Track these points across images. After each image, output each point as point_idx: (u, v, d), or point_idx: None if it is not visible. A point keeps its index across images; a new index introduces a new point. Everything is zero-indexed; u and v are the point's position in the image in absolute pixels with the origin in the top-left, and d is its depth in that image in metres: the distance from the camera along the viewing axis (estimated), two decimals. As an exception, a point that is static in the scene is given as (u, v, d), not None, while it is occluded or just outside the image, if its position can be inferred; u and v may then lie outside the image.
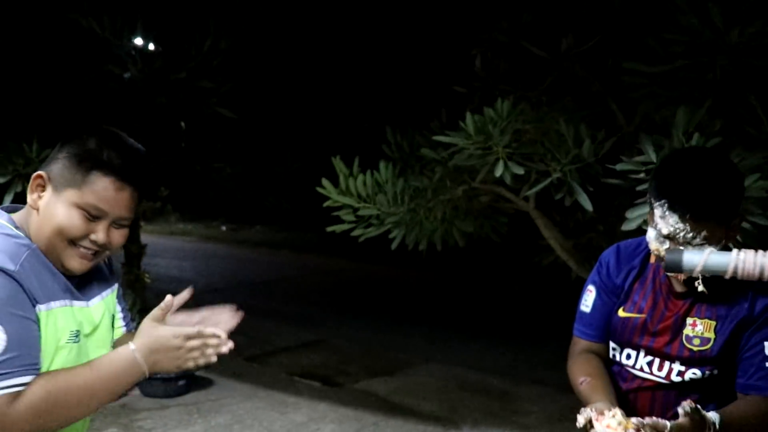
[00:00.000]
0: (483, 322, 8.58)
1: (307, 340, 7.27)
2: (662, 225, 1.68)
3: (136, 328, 1.49)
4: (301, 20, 6.12)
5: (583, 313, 1.96)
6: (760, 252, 1.36)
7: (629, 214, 3.06)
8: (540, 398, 5.66)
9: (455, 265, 10.53)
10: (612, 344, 1.93)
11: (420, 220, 4.17)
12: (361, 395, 5.57)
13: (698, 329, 1.79)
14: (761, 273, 1.36)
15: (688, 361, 1.80)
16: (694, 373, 1.80)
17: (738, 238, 2.27)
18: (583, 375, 1.84)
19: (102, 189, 1.49)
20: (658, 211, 1.70)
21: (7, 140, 4.41)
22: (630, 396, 1.88)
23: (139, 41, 5.30)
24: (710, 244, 1.62)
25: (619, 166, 3.11)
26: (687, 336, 1.80)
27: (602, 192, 3.56)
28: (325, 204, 4.22)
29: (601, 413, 1.59)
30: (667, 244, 1.69)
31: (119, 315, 1.77)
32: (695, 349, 1.79)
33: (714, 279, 1.58)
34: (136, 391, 5.16)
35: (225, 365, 5.68)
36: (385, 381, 5.96)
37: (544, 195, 3.68)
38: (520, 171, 3.36)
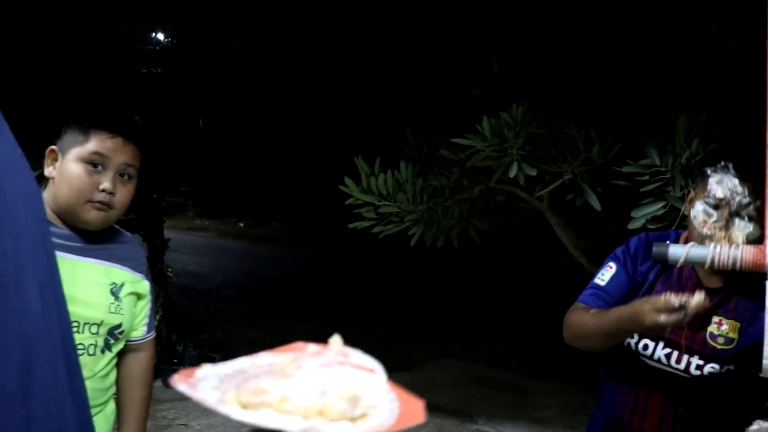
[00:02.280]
0: (498, 319, 8.73)
1: (323, 335, 7.44)
2: (717, 189, 1.74)
3: (159, 322, 1.69)
4: (323, 21, 6.28)
5: (598, 285, 1.92)
6: (734, 246, 1.56)
7: (635, 213, 3.27)
8: (555, 393, 5.80)
9: (472, 263, 10.65)
10: None
11: (438, 218, 4.37)
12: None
13: (723, 328, 1.82)
14: (734, 264, 1.54)
15: (709, 357, 1.82)
16: (712, 368, 1.83)
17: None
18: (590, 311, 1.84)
19: (100, 139, 1.72)
20: (714, 178, 1.76)
21: (36, 140, 4.59)
22: (644, 386, 1.90)
23: (161, 39, 5.49)
24: (753, 204, 1.70)
25: (625, 169, 3.32)
26: (711, 333, 1.82)
27: (612, 193, 3.75)
28: (348, 201, 4.37)
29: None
30: (714, 216, 1.74)
31: (145, 320, 1.95)
32: (718, 347, 1.82)
33: (746, 280, 1.70)
34: (158, 382, 5.32)
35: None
36: (403, 376, 6.08)
37: (557, 195, 3.87)
38: (533, 172, 3.54)
